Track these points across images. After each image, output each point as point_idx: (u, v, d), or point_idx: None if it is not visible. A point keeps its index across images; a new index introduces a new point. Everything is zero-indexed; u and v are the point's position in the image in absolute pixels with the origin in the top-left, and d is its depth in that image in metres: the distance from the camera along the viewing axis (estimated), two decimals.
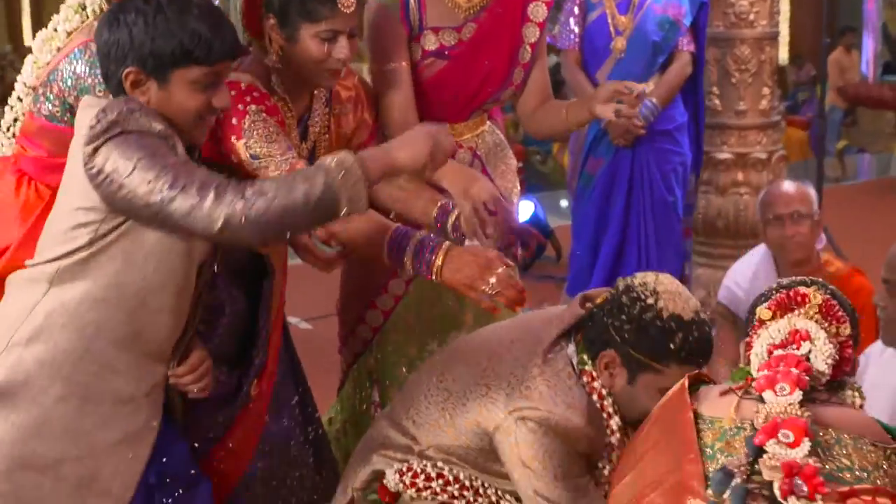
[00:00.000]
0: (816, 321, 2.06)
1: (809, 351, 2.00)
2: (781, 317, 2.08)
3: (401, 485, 2.43)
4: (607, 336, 2.33)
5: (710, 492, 1.90)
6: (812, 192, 3.78)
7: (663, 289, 2.31)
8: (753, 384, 1.98)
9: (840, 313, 2.08)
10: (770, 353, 2.02)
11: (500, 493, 2.44)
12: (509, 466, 2.34)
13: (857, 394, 2.09)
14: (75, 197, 2.10)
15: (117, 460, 2.19)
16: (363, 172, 2.03)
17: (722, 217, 5.12)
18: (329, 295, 3.23)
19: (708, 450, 1.97)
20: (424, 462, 2.44)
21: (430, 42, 2.84)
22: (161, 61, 2.09)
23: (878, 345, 2.82)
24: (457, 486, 2.43)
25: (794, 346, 2.01)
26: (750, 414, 1.95)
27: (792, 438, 1.84)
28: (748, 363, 2.11)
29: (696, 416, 2.04)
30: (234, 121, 2.40)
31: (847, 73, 12.35)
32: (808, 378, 1.94)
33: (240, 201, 1.96)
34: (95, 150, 2.02)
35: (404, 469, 2.43)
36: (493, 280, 2.24)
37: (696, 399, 2.09)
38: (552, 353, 2.37)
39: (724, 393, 2.05)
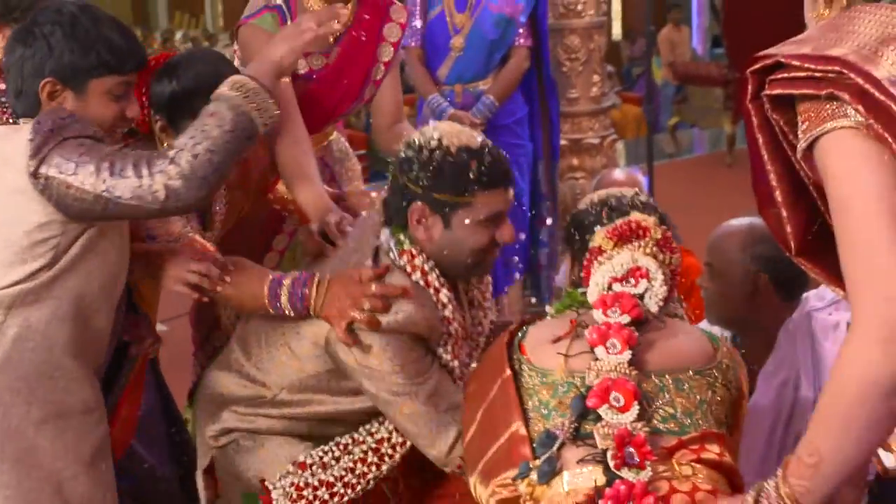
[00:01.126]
0: (654, 255, 2.08)
1: (645, 290, 2.04)
2: (621, 247, 2.08)
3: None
4: (408, 193, 2.32)
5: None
6: (641, 178, 3.95)
7: (443, 129, 2.33)
8: (586, 331, 1.98)
9: (673, 244, 2.11)
10: (610, 285, 2.04)
11: (373, 440, 2.46)
12: (356, 377, 2.33)
13: (679, 304, 2.23)
14: (23, 220, 2.09)
15: (99, 474, 2.23)
16: (259, 84, 2.21)
17: (561, 202, 5.25)
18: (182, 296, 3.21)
19: (544, 409, 1.99)
20: (304, 474, 2.43)
21: (301, 66, 2.92)
22: (79, 71, 2.16)
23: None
24: (340, 484, 2.43)
25: (633, 283, 2.03)
26: (580, 366, 1.97)
27: (622, 402, 1.87)
28: (574, 286, 2.17)
29: (529, 367, 2.05)
30: None
31: (678, 48, 12.74)
32: (637, 334, 1.97)
33: (168, 165, 2.04)
34: (41, 161, 2.05)
35: (293, 492, 2.43)
36: (366, 306, 2.26)
37: (528, 344, 2.09)
38: (374, 255, 2.39)
39: (555, 340, 2.03)
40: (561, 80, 5.31)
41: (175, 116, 2.48)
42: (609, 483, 1.84)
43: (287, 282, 2.35)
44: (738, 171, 8.71)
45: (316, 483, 2.41)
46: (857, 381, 1.40)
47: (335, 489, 2.42)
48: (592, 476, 1.88)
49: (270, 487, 2.43)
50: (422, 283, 2.34)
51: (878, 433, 1.46)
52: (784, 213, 1.50)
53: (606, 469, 1.86)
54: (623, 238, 2.07)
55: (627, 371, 1.91)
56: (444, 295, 2.35)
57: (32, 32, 2.16)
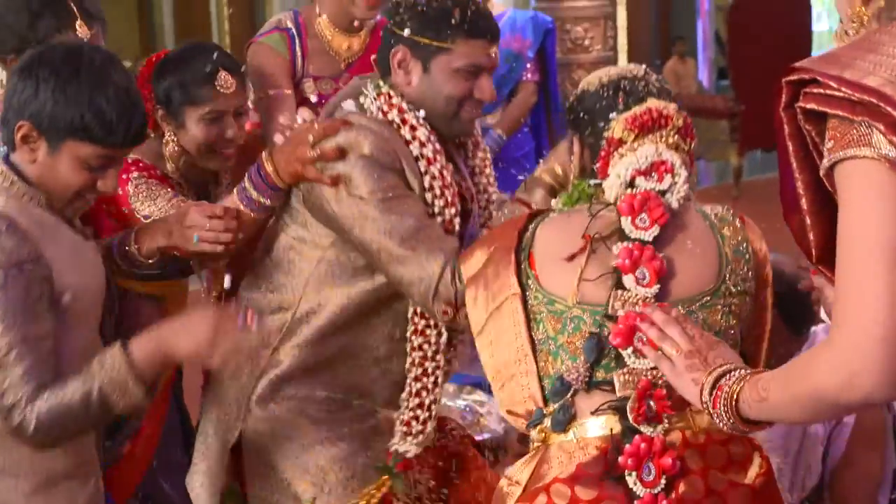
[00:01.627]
0: (676, 144, 1.98)
1: (669, 187, 1.95)
2: (642, 137, 1.96)
3: None
4: (392, 36, 2.36)
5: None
6: None
7: None
8: (611, 249, 1.90)
9: (693, 129, 2.03)
10: (633, 179, 1.94)
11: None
12: (347, 224, 2.31)
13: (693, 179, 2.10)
14: None
15: None
16: (132, 373, 2.00)
17: None
18: None
19: (551, 343, 1.94)
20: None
21: (309, 90, 2.98)
22: (56, 126, 2.03)
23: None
24: None
25: (657, 178, 1.93)
26: (594, 295, 1.91)
27: (639, 323, 1.82)
28: (583, 174, 2.08)
29: (537, 286, 1.97)
30: (120, 191, 2.50)
31: (683, 80, 12.78)
32: (664, 263, 1.89)
33: (29, 409, 1.95)
34: None
35: None
36: (311, 154, 2.27)
37: (537, 254, 2.00)
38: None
39: (570, 258, 1.94)
40: None
41: (172, 106, 2.66)
42: (626, 436, 1.83)
43: (246, 177, 2.39)
44: (745, 203, 8.71)
45: None
46: (817, 387, 1.44)
47: None
48: (608, 426, 1.87)
49: None
50: (398, 121, 2.35)
51: (820, 419, 1.50)
52: (808, 221, 1.49)
53: (623, 418, 1.84)
54: (644, 128, 1.97)
55: (653, 308, 1.83)
56: (423, 133, 2.35)
57: (31, 68, 2.07)
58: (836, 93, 1.36)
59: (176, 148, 2.70)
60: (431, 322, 2.39)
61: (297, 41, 3.02)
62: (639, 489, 1.82)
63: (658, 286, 1.87)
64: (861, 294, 1.36)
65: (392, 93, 2.37)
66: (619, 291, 1.87)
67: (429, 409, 2.45)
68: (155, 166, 2.69)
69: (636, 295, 1.86)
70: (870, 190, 1.35)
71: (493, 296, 2.03)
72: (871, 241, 1.36)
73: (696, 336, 1.76)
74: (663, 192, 1.94)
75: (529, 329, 1.97)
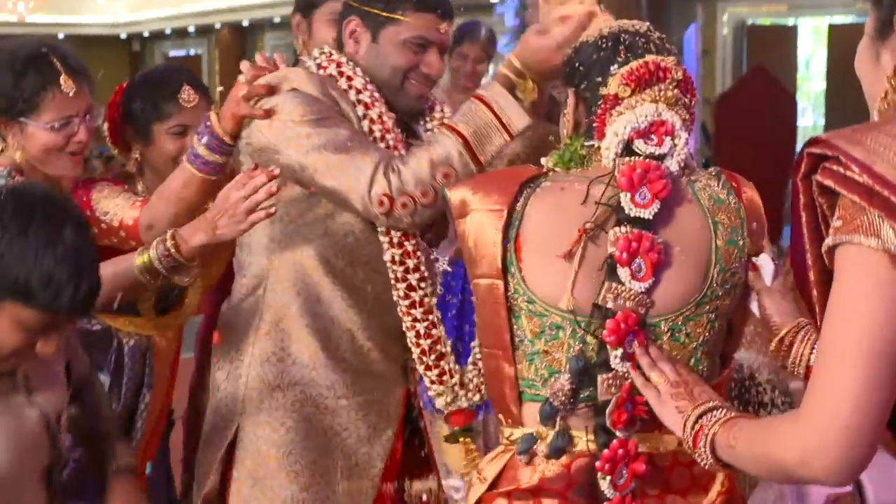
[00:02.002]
0: (676, 99, 1.88)
1: (669, 150, 1.84)
2: (640, 92, 1.86)
3: None
4: (347, 8, 2.45)
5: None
6: None
7: None
8: (609, 243, 1.80)
9: (693, 84, 1.93)
10: (631, 140, 1.83)
11: None
12: (282, 147, 2.33)
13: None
14: None
15: None
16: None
17: None
18: None
19: (528, 345, 1.87)
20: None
21: None
22: None
23: None
24: None
25: (656, 141, 1.83)
26: (581, 295, 1.81)
27: (636, 347, 1.78)
28: (576, 130, 1.98)
29: (520, 278, 1.87)
30: (82, 199, 2.70)
31: None
32: (662, 254, 1.80)
33: None
34: None
35: None
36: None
37: (525, 237, 1.87)
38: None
39: (566, 255, 1.83)
40: None
41: (140, 123, 2.82)
42: (605, 442, 1.79)
43: (195, 140, 2.48)
44: None
45: None
46: (775, 455, 1.46)
47: None
48: (587, 438, 1.83)
49: None
50: (335, 73, 2.42)
51: (780, 482, 1.53)
52: (815, 293, 1.48)
53: (601, 423, 1.80)
54: (642, 83, 1.86)
55: (642, 308, 1.78)
56: (359, 82, 2.42)
57: None
58: (857, 177, 1.35)
59: (139, 167, 2.86)
60: (410, 262, 2.41)
61: None
62: (610, 492, 1.80)
63: (652, 279, 1.79)
64: (835, 379, 1.36)
65: (333, 52, 2.45)
66: (613, 284, 1.78)
67: (439, 356, 2.45)
68: (125, 183, 2.83)
69: (630, 290, 1.78)
70: (867, 279, 1.35)
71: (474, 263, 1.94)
72: (857, 330, 1.36)
73: (685, 373, 1.76)
74: (662, 157, 1.84)
75: (509, 317, 1.89)
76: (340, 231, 2.45)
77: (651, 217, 1.80)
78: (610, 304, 1.77)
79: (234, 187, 2.32)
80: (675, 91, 1.88)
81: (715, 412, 1.64)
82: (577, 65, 1.97)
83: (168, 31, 23.02)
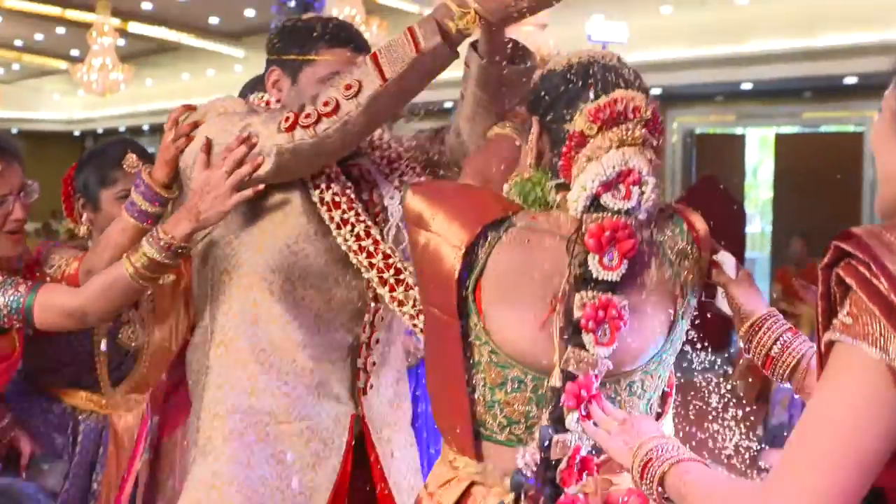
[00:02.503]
0: (643, 139, 1.80)
1: (636, 202, 1.77)
2: (606, 131, 1.79)
3: None
4: (267, 63, 2.50)
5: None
6: None
7: (311, 12, 2.52)
8: (575, 309, 1.75)
9: (661, 122, 1.85)
10: (599, 195, 1.76)
11: None
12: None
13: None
14: None
15: None
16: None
17: None
18: None
19: (489, 393, 1.82)
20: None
21: None
22: None
23: None
24: None
25: (623, 194, 1.76)
26: (543, 352, 1.76)
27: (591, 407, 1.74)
28: (538, 161, 1.91)
29: (481, 325, 1.81)
30: (35, 266, 2.77)
31: None
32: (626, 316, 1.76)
33: None
34: None
35: None
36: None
37: (486, 287, 1.81)
38: None
39: (542, 322, 1.77)
40: None
41: (89, 192, 2.90)
42: (553, 496, 1.74)
43: (133, 191, 2.56)
44: None
45: None
46: None
47: None
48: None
49: None
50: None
51: None
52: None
53: (552, 482, 1.74)
54: (609, 121, 1.79)
55: (603, 370, 1.75)
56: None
57: None
58: (882, 288, 1.32)
59: (89, 234, 2.92)
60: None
61: None
62: None
63: (616, 344, 1.75)
64: (804, 477, 1.34)
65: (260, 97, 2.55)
66: (578, 350, 1.73)
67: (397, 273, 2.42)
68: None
69: (593, 355, 1.73)
70: (861, 390, 1.33)
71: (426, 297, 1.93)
72: (838, 438, 1.34)
73: (633, 414, 1.76)
74: (630, 210, 1.78)
75: (466, 358, 1.83)
76: (277, 247, 2.41)
77: (618, 279, 1.76)
78: (572, 369, 1.73)
79: (216, 165, 2.32)
80: (643, 131, 1.80)
81: (663, 448, 1.59)
82: (542, 94, 1.90)
83: (122, 129, 23.09)
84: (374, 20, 12.29)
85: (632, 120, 1.79)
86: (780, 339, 1.88)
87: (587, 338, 1.73)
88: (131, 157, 2.92)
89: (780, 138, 15.80)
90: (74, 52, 19.18)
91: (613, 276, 1.74)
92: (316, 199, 2.39)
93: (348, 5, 10.25)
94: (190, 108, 2.48)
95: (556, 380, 1.74)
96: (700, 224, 1.94)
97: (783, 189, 15.07)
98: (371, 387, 2.55)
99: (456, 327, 1.82)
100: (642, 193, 1.78)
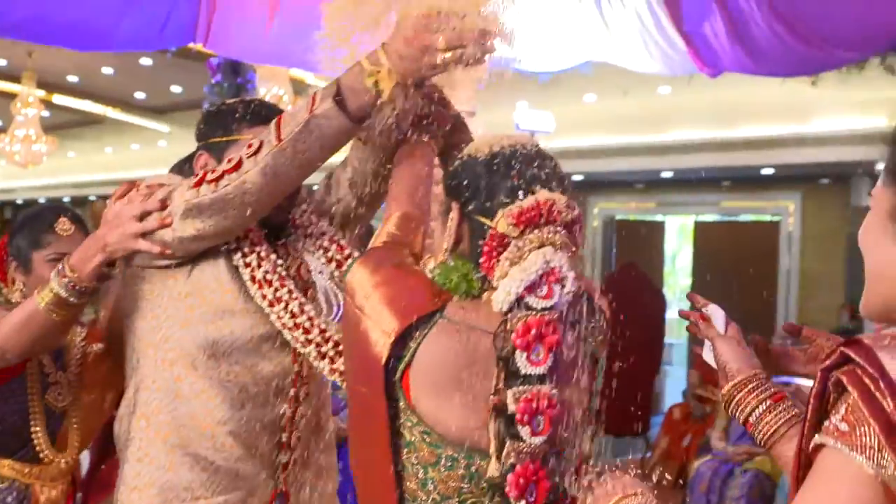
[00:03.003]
0: (563, 242, 1.88)
1: (559, 298, 1.84)
2: (529, 232, 1.86)
3: None
4: (197, 147, 2.53)
5: None
6: None
7: (241, 92, 2.51)
8: (508, 401, 1.81)
9: (581, 218, 1.95)
10: (523, 297, 1.83)
11: None
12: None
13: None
14: None
15: None
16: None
17: None
18: None
19: (421, 471, 1.87)
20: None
21: None
22: None
23: None
24: None
25: (545, 293, 1.83)
26: (471, 431, 1.83)
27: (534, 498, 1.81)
28: (455, 248, 1.97)
29: (411, 412, 1.86)
30: None
31: None
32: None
33: None
34: None
35: None
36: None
37: (415, 375, 1.87)
38: None
39: (482, 425, 1.84)
40: None
41: (21, 255, 2.98)
42: None
43: (55, 281, 2.51)
44: None
45: None
46: None
47: None
48: None
49: None
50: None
51: None
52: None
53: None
54: (531, 224, 1.87)
55: (540, 449, 1.81)
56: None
57: None
58: (885, 406, 1.31)
59: (21, 298, 2.92)
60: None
61: None
62: None
63: (550, 430, 1.82)
64: None
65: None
66: (515, 442, 1.80)
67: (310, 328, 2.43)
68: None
69: (531, 444, 1.80)
70: (851, 500, 1.32)
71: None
72: None
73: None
74: (552, 307, 1.85)
75: (392, 437, 1.87)
76: (202, 322, 2.41)
77: (546, 372, 1.83)
78: (512, 461, 1.80)
79: (132, 199, 2.40)
80: (563, 234, 1.89)
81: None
82: (464, 181, 1.96)
83: (42, 200, 22.79)
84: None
85: (553, 222, 1.88)
86: (762, 404, 1.91)
87: (523, 430, 1.80)
88: (64, 221, 2.99)
89: (698, 226, 16.09)
90: None
91: (542, 370, 1.82)
92: (247, 277, 2.40)
93: (276, 85, 10.26)
94: (132, 186, 2.49)
95: (493, 470, 1.80)
96: (601, 298, 2.03)
97: (701, 275, 15.30)
98: (294, 462, 2.53)
99: (383, 408, 1.86)
100: (563, 288, 1.85)
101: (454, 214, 1.96)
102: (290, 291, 2.43)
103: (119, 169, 20.93)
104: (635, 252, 13.97)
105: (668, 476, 9.12)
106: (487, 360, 1.85)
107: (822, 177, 13.50)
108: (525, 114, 6.42)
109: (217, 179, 2.23)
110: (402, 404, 1.87)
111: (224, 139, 2.46)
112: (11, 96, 14.97)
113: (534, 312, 1.83)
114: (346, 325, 1.98)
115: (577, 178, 14.58)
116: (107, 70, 14.43)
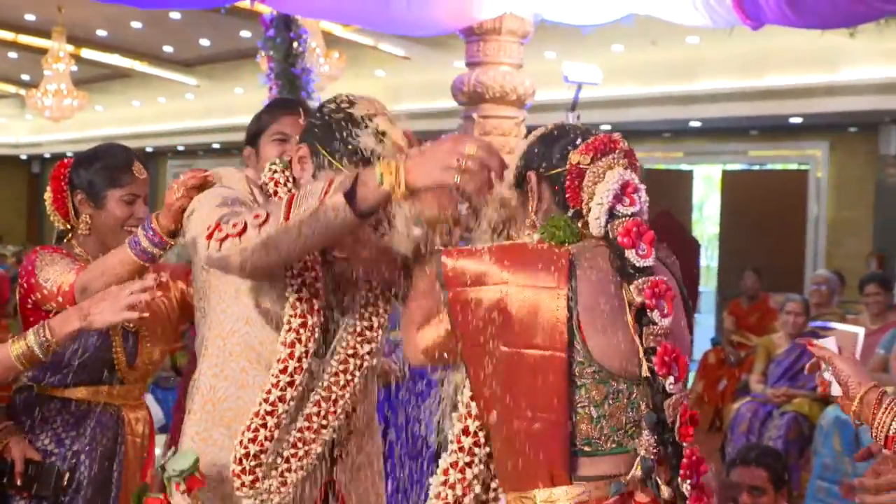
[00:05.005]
0: (626, 164, 2.18)
1: (640, 206, 2.14)
2: (597, 161, 2.16)
3: None
4: (305, 133, 2.51)
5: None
6: None
7: (362, 98, 2.46)
8: (633, 291, 2.05)
9: (637, 159, 2.22)
10: (613, 206, 2.11)
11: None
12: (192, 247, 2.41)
13: None
14: None
15: None
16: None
17: None
18: None
19: (593, 408, 2.07)
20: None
21: None
22: None
23: None
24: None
25: (629, 202, 2.12)
26: (618, 361, 2.06)
27: (677, 373, 2.04)
28: (542, 207, 2.22)
29: (586, 351, 2.06)
30: (27, 269, 3.02)
31: None
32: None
33: None
34: None
35: None
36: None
37: (585, 319, 2.06)
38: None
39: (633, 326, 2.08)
40: None
41: (94, 190, 3.11)
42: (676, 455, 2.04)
43: (139, 229, 2.78)
44: None
45: None
46: None
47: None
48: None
49: None
50: (270, 186, 2.54)
51: None
52: None
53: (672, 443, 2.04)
54: (598, 152, 2.17)
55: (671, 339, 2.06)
56: (284, 192, 2.50)
57: None
58: None
59: (87, 230, 3.14)
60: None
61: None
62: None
63: (673, 311, 2.08)
64: None
65: (278, 170, 2.56)
66: (650, 327, 2.05)
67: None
68: (62, 248, 3.13)
69: (662, 326, 2.05)
70: None
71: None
72: None
73: None
74: (637, 213, 2.15)
75: (569, 387, 2.07)
76: (263, 322, 2.52)
77: (653, 263, 2.10)
78: (652, 344, 2.05)
79: (125, 286, 2.60)
80: (625, 159, 2.19)
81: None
82: (535, 150, 2.26)
83: (69, 154, 22.93)
84: (333, 52, 12.43)
85: (615, 150, 2.19)
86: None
87: (654, 314, 2.05)
88: (138, 165, 3.15)
89: (726, 175, 16.10)
90: (25, 77, 19.06)
91: (650, 261, 2.09)
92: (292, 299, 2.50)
93: (310, 39, 10.33)
94: (205, 177, 2.64)
95: (645, 370, 2.05)
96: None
97: (729, 224, 15.36)
98: (347, 454, 2.64)
99: (563, 358, 2.06)
100: (640, 197, 2.16)
101: (533, 180, 2.24)
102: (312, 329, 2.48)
103: (146, 122, 21.06)
104: (662, 201, 13.97)
105: (702, 420, 9.28)
106: (615, 282, 2.10)
107: (849, 125, 13.51)
108: (573, 68, 6.49)
109: (222, 240, 2.26)
110: (576, 346, 2.06)
111: (329, 157, 2.42)
112: (40, 51, 15.07)
113: (626, 218, 2.12)
114: (463, 306, 2.11)
115: (605, 127, 14.56)
116: (135, 24, 14.48)
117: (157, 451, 3.41)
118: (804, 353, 7.15)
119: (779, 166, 15.63)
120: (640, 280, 2.07)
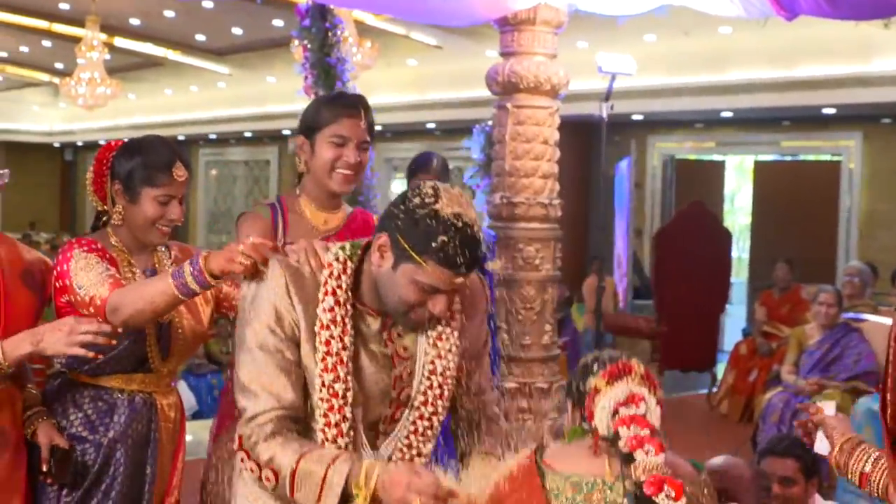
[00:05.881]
0: (640, 385, 2.39)
1: (645, 411, 2.34)
2: (613, 383, 2.37)
3: None
4: (387, 221, 2.43)
5: None
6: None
7: (446, 191, 2.40)
8: (620, 442, 2.31)
9: (655, 380, 2.42)
10: (616, 410, 2.33)
11: None
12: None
13: None
14: None
15: None
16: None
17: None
18: None
19: (569, 502, 2.38)
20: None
21: None
22: None
23: None
24: None
25: (635, 406, 2.33)
26: (600, 471, 2.38)
27: (674, 494, 2.23)
28: (578, 422, 2.48)
29: (553, 473, 2.41)
30: (62, 267, 3.00)
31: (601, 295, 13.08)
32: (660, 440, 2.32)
33: None
34: None
35: None
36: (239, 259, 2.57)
37: (549, 459, 2.45)
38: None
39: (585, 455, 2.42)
40: (516, 328, 5.58)
41: (131, 184, 3.08)
42: None
43: (186, 265, 2.77)
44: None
45: None
46: None
47: None
48: None
49: None
50: (336, 272, 2.47)
51: None
52: None
53: None
54: (614, 376, 2.38)
55: (667, 471, 2.27)
56: (329, 301, 2.44)
57: None
58: None
59: (120, 220, 3.13)
60: None
61: (279, 213, 3.23)
62: None
63: (664, 456, 2.29)
64: None
65: (341, 258, 2.48)
66: (638, 462, 2.28)
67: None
68: (97, 240, 3.12)
69: (650, 463, 2.27)
70: None
71: None
72: None
73: None
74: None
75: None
76: None
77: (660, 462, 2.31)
78: (639, 475, 2.28)
79: (83, 320, 2.76)
80: (640, 381, 2.39)
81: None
82: (572, 381, 2.53)
83: (102, 142, 23.07)
84: (366, 41, 12.48)
85: (629, 374, 2.38)
86: (871, 458, 2.53)
87: (638, 454, 2.29)
88: (179, 166, 3.10)
89: (758, 165, 16.06)
90: (59, 65, 19.21)
91: (645, 431, 2.32)
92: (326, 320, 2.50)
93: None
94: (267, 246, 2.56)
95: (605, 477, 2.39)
96: None
97: (760, 215, 15.31)
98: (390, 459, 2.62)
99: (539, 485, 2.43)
100: (648, 407, 2.35)
101: (568, 404, 2.54)
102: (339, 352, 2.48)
103: (178, 110, 21.19)
104: (694, 191, 13.98)
105: (733, 410, 9.27)
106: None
107: (883, 116, 13.42)
108: (608, 58, 6.48)
109: (243, 460, 2.44)
110: (542, 471, 2.43)
111: (410, 251, 2.38)
112: (73, 40, 15.19)
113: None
114: None
115: (637, 117, 14.58)
116: (168, 13, 14.59)
117: (189, 437, 3.43)
118: (836, 344, 7.14)
119: (811, 157, 15.55)
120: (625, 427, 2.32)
